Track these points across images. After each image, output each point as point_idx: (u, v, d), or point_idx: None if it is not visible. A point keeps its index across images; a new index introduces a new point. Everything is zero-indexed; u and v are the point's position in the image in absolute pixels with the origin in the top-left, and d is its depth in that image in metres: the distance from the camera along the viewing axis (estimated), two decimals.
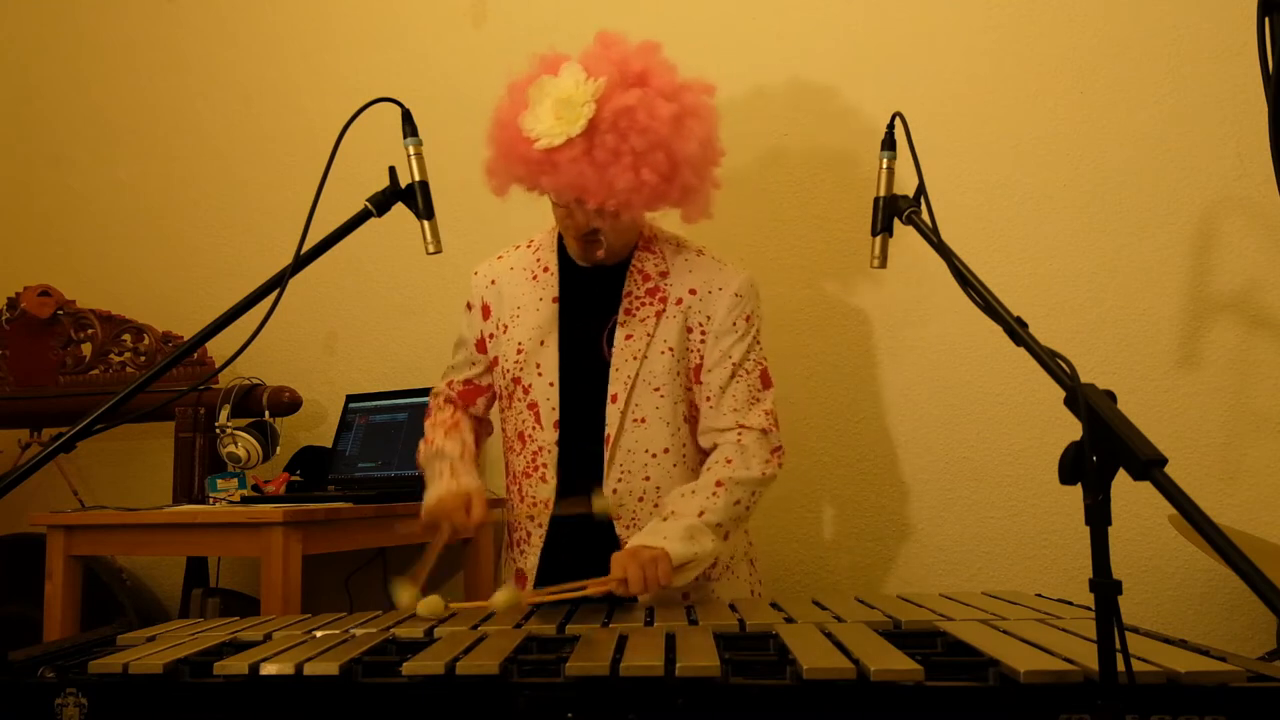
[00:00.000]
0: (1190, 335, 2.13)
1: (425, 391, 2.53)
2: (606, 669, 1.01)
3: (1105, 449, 0.87)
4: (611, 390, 1.64)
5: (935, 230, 1.33)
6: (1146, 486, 0.86)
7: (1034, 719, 0.93)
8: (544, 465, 1.65)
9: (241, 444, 2.49)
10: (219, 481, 2.48)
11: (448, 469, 1.64)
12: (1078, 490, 0.88)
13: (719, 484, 1.58)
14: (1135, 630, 1.19)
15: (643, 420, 1.64)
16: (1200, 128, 2.14)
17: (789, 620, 1.26)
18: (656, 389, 1.64)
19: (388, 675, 1.07)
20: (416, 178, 1.45)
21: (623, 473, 1.64)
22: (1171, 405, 2.13)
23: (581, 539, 1.62)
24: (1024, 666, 0.94)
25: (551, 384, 1.66)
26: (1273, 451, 2.07)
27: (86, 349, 2.86)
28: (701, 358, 1.67)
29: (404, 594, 1.40)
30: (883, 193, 1.48)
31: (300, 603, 2.00)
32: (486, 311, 1.76)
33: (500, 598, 1.35)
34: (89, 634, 1.41)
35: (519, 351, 1.70)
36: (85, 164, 3.19)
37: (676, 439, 1.66)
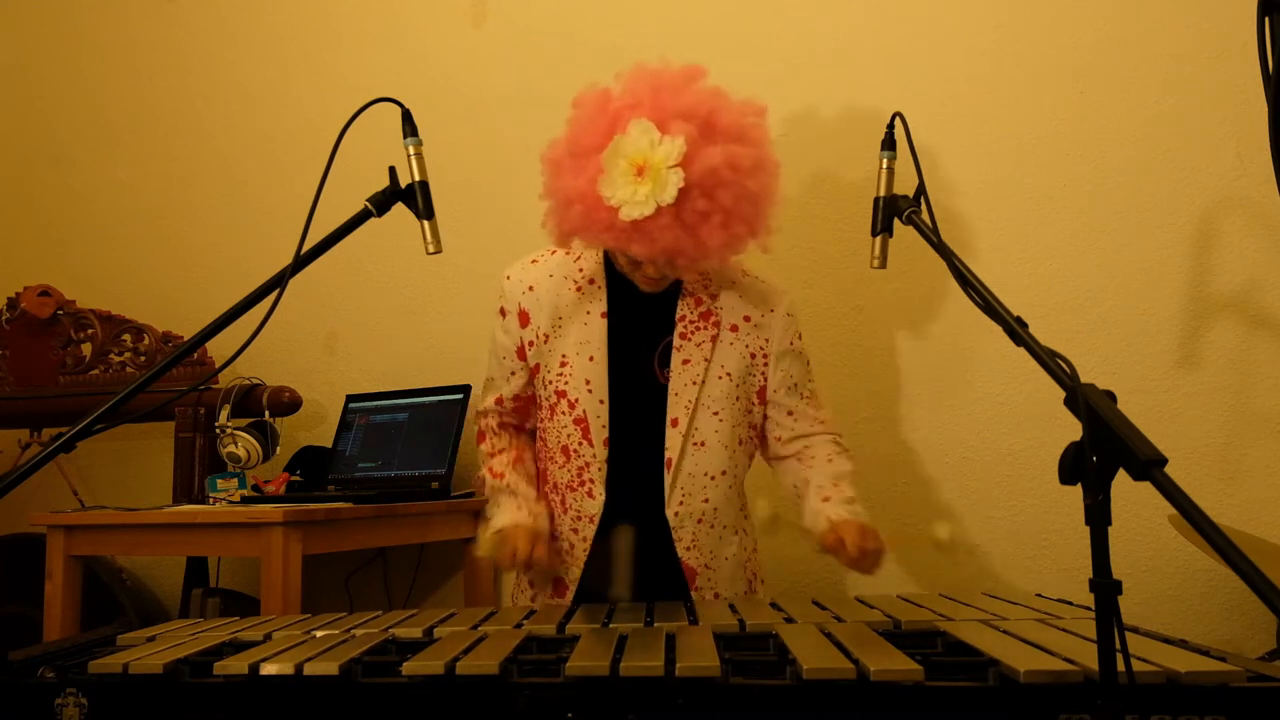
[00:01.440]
0: (1190, 335, 2.13)
1: (425, 391, 2.54)
2: (606, 669, 1.01)
3: (1105, 449, 0.87)
4: (671, 415, 1.64)
5: (935, 230, 1.33)
6: (1146, 486, 0.86)
7: (1034, 719, 0.93)
8: (591, 481, 1.64)
9: (241, 444, 2.49)
10: (219, 481, 2.48)
11: (522, 502, 1.66)
12: (1078, 490, 0.88)
13: (851, 474, 1.70)
14: (1135, 630, 1.19)
15: (702, 444, 1.65)
16: (1200, 128, 2.14)
17: (789, 620, 1.25)
18: (715, 413, 1.65)
19: (388, 675, 1.07)
20: (416, 178, 1.45)
21: (684, 495, 1.64)
22: (1171, 405, 2.13)
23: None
24: (1024, 666, 0.94)
25: (602, 401, 1.64)
26: (1273, 451, 2.07)
27: (86, 349, 2.85)
28: (765, 379, 1.70)
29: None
30: (883, 193, 1.48)
31: (300, 603, 2.00)
32: (525, 318, 1.70)
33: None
34: (89, 634, 1.41)
35: (563, 364, 1.67)
36: (85, 164, 3.20)
37: (732, 461, 1.68)
